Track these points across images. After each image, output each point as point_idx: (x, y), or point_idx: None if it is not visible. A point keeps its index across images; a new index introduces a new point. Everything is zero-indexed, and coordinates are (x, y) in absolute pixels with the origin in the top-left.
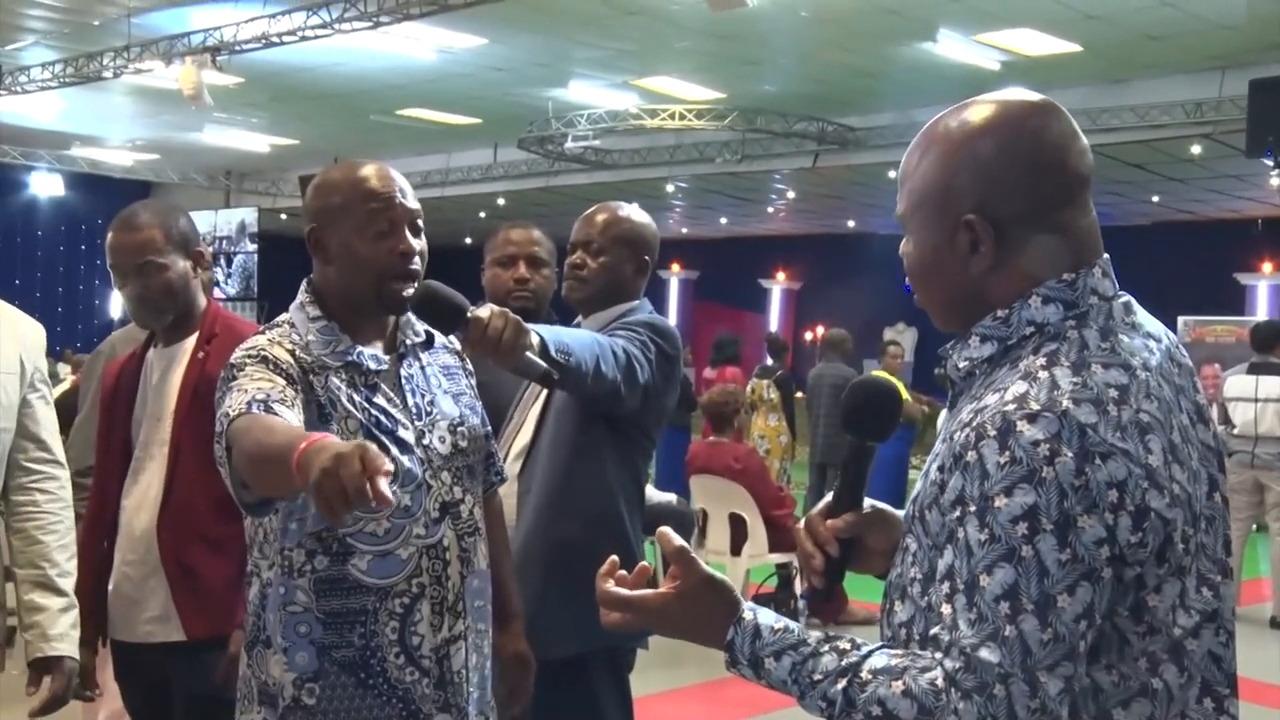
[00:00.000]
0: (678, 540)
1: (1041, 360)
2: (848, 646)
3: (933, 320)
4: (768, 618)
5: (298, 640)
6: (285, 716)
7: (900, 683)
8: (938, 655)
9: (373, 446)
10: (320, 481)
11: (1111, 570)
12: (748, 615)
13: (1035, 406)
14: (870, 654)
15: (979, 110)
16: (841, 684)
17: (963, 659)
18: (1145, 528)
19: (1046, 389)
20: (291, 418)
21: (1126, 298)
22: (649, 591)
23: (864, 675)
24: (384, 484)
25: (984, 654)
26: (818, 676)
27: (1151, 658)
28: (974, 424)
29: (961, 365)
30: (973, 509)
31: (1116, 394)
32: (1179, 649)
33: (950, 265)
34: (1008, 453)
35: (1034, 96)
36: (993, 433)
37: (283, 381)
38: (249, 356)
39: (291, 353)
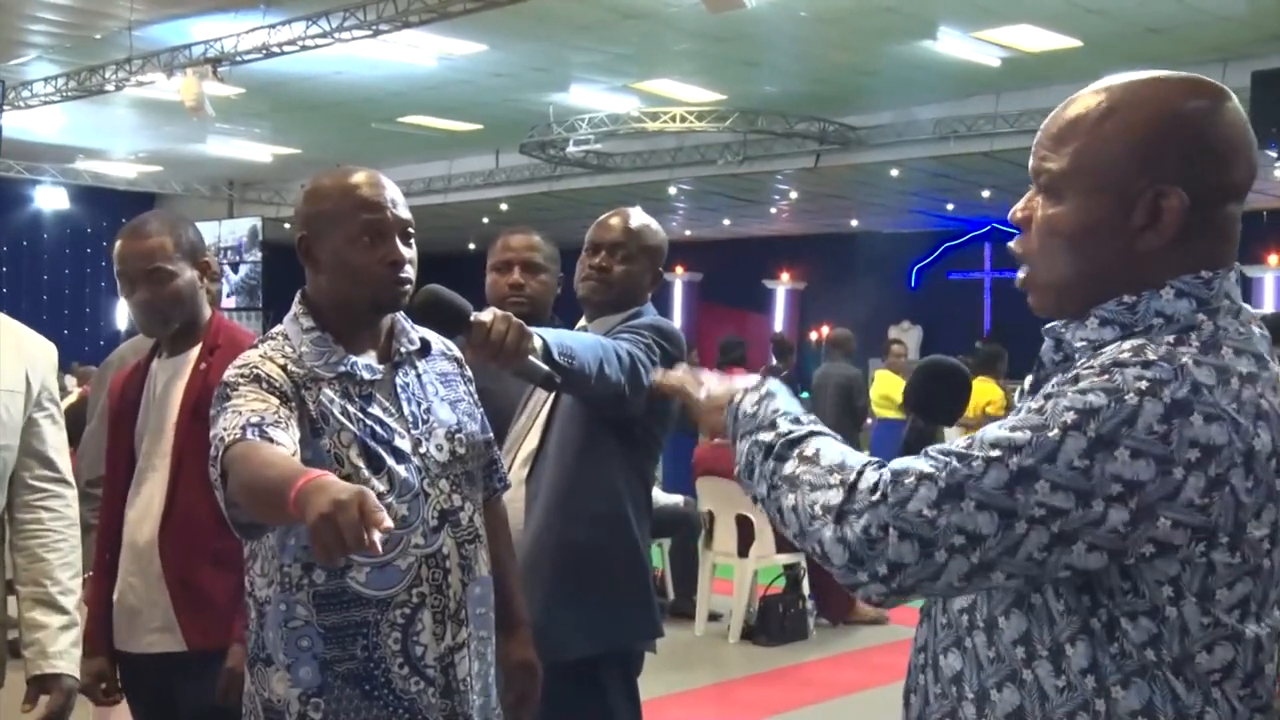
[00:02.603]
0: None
1: (1170, 338)
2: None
3: (1040, 298)
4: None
5: (300, 655)
6: None
7: (845, 448)
8: None
9: (372, 495)
10: (318, 525)
11: (1116, 516)
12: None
13: (1151, 356)
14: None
15: (1184, 82)
16: (803, 430)
17: (912, 459)
18: (1214, 496)
19: (1168, 347)
20: (287, 441)
21: (1251, 309)
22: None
23: (826, 434)
24: (378, 535)
25: (926, 463)
26: (803, 432)
27: (1210, 647)
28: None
29: (1078, 345)
30: (1045, 392)
31: (1244, 373)
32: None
33: (1112, 239)
34: (1106, 374)
35: (1219, 84)
36: (1096, 364)
37: (276, 401)
38: (242, 376)
39: (284, 367)
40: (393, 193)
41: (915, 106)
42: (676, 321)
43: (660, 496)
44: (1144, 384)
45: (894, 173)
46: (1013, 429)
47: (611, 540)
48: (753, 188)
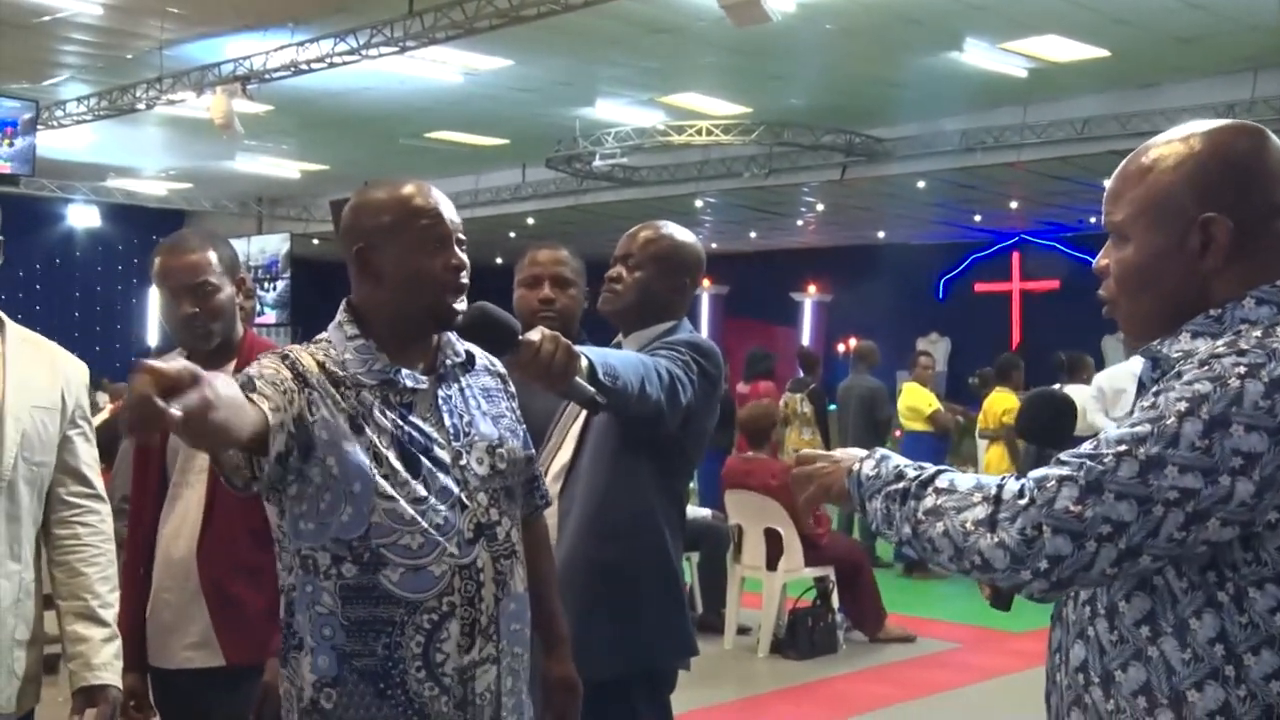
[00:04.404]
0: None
1: (1257, 332)
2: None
3: (1130, 330)
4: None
5: (322, 642)
6: (302, 718)
7: (972, 474)
8: None
9: (185, 371)
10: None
11: (1242, 489)
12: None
13: (1244, 345)
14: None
15: (1203, 130)
16: (930, 471)
17: (1047, 467)
18: None
19: (1259, 338)
20: (250, 408)
21: None
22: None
23: (951, 471)
24: (176, 409)
25: (1061, 467)
26: (931, 472)
27: None
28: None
29: (1175, 356)
30: (1153, 391)
31: None
32: None
33: (1176, 265)
34: (1206, 366)
35: (1249, 123)
36: (1195, 360)
37: (288, 374)
38: (275, 354)
39: (321, 365)
40: (444, 200)
41: (942, 118)
42: (704, 334)
43: (688, 510)
44: (1242, 368)
45: (920, 184)
46: (1133, 425)
47: (644, 558)
48: (779, 200)
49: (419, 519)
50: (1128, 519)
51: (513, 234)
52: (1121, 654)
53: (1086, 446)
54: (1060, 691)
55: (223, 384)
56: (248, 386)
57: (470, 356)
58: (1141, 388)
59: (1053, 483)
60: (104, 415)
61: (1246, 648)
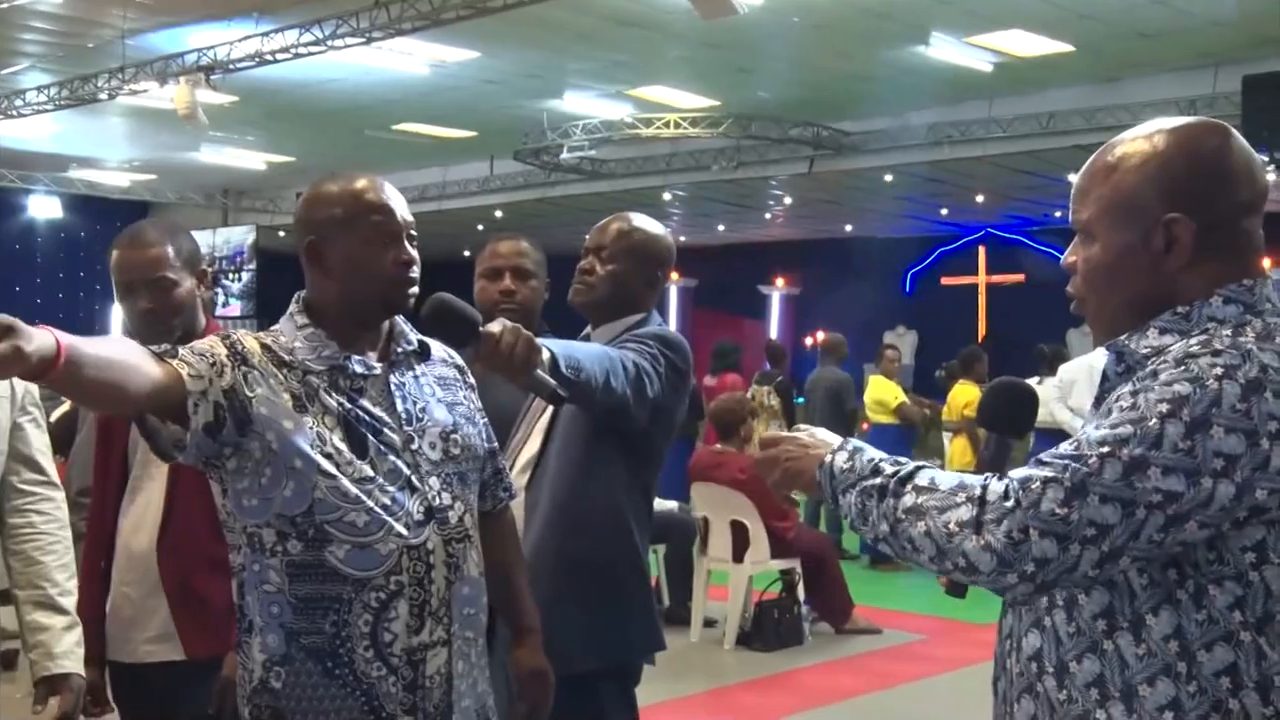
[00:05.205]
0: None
1: (1228, 331)
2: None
3: (1097, 329)
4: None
5: (270, 621)
6: (252, 698)
7: (951, 472)
8: None
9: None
10: None
11: (1223, 491)
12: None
13: (1219, 345)
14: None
15: (1169, 128)
16: (909, 468)
17: (1030, 468)
18: None
19: (1231, 337)
20: (154, 371)
21: None
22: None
23: (930, 467)
24: None
25: (1044, 468)
26: (910, 469)
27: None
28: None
29: (1143, 352)
30: (1130, 390)
31: None
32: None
33: (1140, 264)
34: (1182, 366)
35: (1214, 121)
36: (1170, 359)
37: (223, 351)
38: (216, 334)
39: (266, 347)
40: (397, 196)
41: (909, 112)
42: (671, 327)
43: (655, 503)
44: (1219, 369)
45: (888, 178)
46: (1113, 426)
47: (613, 552)
48: (747, 193)
49: (364, 498)
50: (1112, 521)
51: (480, 226)
52: (1078, 646)
53: (1068, 447)
54: (1010, 678)
55: (101, 345)
56: (168, 354)
57: (425, 346)
58: (1105, 379)
59: (1037, 484)
60: (65, 408)
61: (1201, 644)
